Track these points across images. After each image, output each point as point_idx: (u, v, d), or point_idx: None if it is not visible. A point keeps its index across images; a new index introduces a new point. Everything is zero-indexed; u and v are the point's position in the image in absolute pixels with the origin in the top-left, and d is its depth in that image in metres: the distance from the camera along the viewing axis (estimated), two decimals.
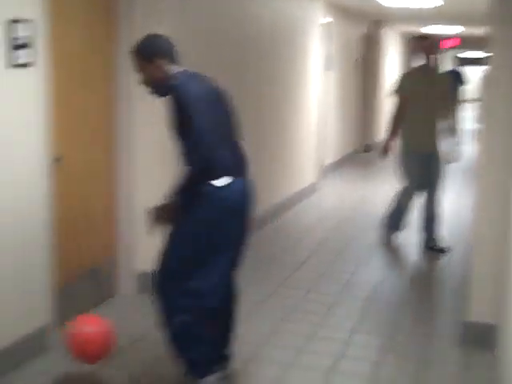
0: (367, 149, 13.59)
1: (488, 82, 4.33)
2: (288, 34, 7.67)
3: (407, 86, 6.09)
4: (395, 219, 6.43)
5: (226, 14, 5.84)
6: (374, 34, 13.50)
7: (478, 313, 4.23)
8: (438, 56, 6.06)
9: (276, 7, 7.17)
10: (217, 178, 3.11)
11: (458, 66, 25.22)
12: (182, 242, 3.18)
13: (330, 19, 9.82)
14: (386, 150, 6.23)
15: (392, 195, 9.12)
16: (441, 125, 6.08)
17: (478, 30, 14.90)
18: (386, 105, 15.17)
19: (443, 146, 6.19)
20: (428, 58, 6.04)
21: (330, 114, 10.55)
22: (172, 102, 3.02)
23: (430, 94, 6.05)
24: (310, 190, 9.00)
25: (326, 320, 4.56)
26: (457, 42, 17.58)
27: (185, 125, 3.00)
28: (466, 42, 17.84)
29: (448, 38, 17.51)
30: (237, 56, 6.16)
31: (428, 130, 6.04)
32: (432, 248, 6.39)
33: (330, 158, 10.89)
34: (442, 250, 6.36)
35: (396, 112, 6.11)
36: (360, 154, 13.28)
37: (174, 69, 3.17)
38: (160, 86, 3.16)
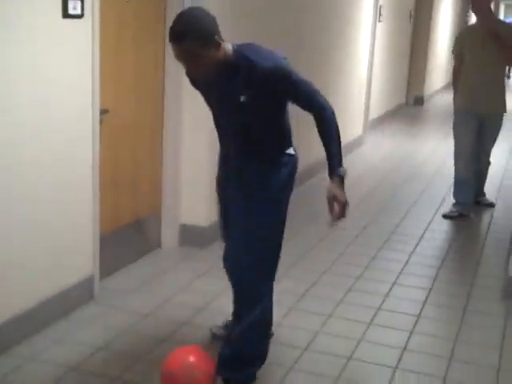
0: (418, 101, 13.39)
1: None
2: None
3: (463, 44, 5.81)
4: (457, 191, 6.01)
5: None
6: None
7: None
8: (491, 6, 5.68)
9: None
10: (290, 146, 2.97)
11: None
12: (273, 225, 2.88)
13: None
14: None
15: (439, 152, 9.00)
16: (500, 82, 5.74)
17: None
18: (438, 58, 14.83)
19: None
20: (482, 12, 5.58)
21: (379, 67, 10.40)
22: (250, 81, 2.70)
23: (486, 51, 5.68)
24: (358, 143, 8.94)
25: (368, 273, 4.59)
26: None
27: (282, 98, 2.79)
28: None
29: None
30: (292, 3, 6.08)
31: (485, 87, 5.74)
32: (479, 202, 6.33)
33: (378, 110, 10.78)
34: (490, 205, 6.29)
35: (454, 73, 5.94)
36: (410, 106, 13.10)
37: (228, 45, 2.79)
38: (223, 67, 2.74)
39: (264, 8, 5.56)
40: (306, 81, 2.80)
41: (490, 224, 5.85)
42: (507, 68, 5.96)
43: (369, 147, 9.00)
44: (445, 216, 5.94)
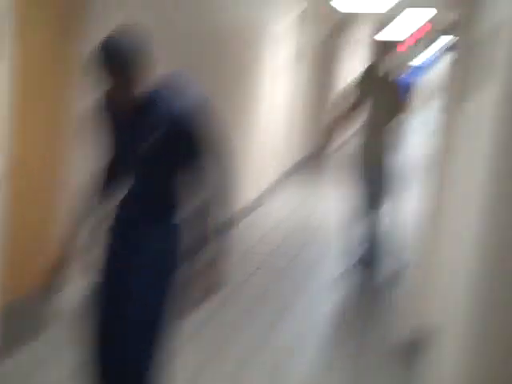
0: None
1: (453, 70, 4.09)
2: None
3: (357, 89, 5.54)
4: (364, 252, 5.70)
5: (190, 4, 5.66)
6: (338, 34, 13.43)
7: (411, 326, 4.27)
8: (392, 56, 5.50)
9: None
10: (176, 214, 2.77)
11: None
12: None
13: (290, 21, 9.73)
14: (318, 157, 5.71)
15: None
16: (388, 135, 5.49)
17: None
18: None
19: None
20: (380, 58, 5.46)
21: (285, 117, 10.44)
22: (164, 118, 2.57)
23: (378, 100, 5.48)
24: (256, 204, 8.74)
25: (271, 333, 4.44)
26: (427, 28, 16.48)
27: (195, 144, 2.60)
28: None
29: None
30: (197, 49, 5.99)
31: (374, 140, 5.49)
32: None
33: (283, 163, 10.81)
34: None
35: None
36: (315, 157, 13.17)
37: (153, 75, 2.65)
38: (141, 98, 2.60)
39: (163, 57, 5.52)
40: (209, 136, 2.71)
41: (383, 283, 5.69)
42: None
43: (269, 207, 8.76)
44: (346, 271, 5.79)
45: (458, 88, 4.03)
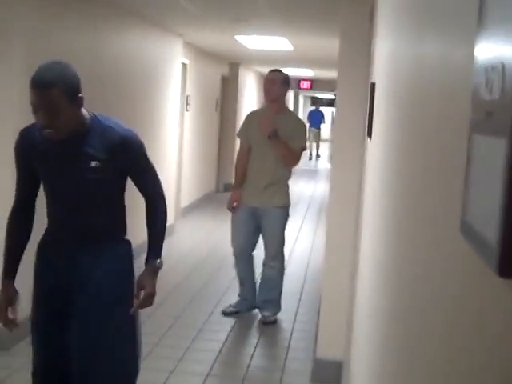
0: (227, 189, 13.72)
1: (336, 122, 4.52)
2: (146, 74, 7.65)
3: (247, 130, 5.49)
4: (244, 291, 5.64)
5: (82, 50, 5.73)
6: (233, 75, 13.77)
7: (327, 351, 4.37)
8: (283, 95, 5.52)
9: (134, 46, 7.14)
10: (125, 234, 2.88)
11: (317, 106, 26.17)
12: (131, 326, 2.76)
13: (187, 60, 9.90)
14: (231, 201, 5.49)
15: None
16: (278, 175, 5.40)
17: (329, 74, 15.60)
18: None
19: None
20: (272, 98, 5.42)
21: (189, 154, 10.59)
22: (111, 149, 2.68)
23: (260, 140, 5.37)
24: (169, 232, 8.92)
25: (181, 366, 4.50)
26: (309, 84, 18.43)
27: (135, 172, 2.77)
28: (319, 84, 18.64)
29: (303, 79, 18.20)
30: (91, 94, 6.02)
31: (261, 180, 5.41)
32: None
33: (189, 198, 10.89)
34: (268, 322, 5.54)
35: (237, 159, 5.54)
36: (221, 193, 13.39)
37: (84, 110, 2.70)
38: (77, 129, 2.65)
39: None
40: (153, 166, 2.81)
41: (297, 308, 6.01)
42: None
43: (180, 236, 9.00)
44: (224, 313, 5.67)
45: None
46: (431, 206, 1.05)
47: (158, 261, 2.76)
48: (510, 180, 0.55)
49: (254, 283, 5.65)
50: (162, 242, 2.79)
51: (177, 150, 9.29)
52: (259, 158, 5.38)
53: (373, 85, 3.34)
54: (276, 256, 5.45)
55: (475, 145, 0.69)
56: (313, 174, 19.03)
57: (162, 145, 8.51)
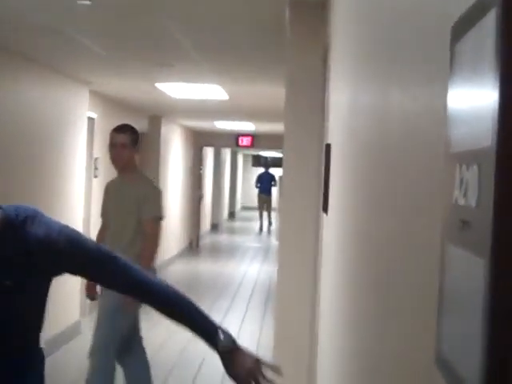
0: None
1: (284, 191, 4.55)
2: (44, 132, 7.60)
3: (104, 204, 5.99)
4: None
5: None
6: (154, 130, 13.82)
7: None
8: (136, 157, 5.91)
9: (29, 98, 7.09)
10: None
11: (266, 168, 26.60)
12: None
13: (94, 114, 9.90)
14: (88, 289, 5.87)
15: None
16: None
17: (274, 127, 15.82)
18: (172, 222, 15.42)
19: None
20: (116, 163, 5.79)
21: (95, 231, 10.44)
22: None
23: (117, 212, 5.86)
24: (73, 332, 8.72)
25: None
26: (249, 140, 18.64)
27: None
28: (262, 141, 18.87)
29: (242, 135, 18.41)
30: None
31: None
32: None
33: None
34: None
35: (96, 239, 5.88)
36: None
37: None
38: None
39: None
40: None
41: None
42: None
43: (88, 336, 8.79)
44: None
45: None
46: (403, 326, 1.05)
47: (221, 336, 2.56)
48: (493, 309, 0.54)
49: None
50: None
51: (82, 226, 9.17)
52: (115, 233, 5.77)
53: (328, 146, 3.42)
54: (95, 350, 5.61)
55: (449, 257, 0.69)
56: (261, 251, 19.15)
57: (65, 220, 8.39)
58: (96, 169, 10.14)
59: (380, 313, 1.35)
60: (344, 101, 2.67)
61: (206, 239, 21.30)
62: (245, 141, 18.67)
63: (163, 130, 14.25)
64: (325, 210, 3.52)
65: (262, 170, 27.89)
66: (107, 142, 5.79)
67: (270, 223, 25.84)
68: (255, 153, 30.63)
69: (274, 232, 24.21)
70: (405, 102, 1.17)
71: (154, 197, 5.82)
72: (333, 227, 2.91)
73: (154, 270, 5.79)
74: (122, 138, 5.67)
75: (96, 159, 10.10)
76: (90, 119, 9.75)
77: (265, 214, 25.86)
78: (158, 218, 5.80)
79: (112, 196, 5.87)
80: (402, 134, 1.18)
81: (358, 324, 1.77)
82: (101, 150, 10.33)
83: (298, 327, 4.43)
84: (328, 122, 3.69)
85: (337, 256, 2.63)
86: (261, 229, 25.18)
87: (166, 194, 14.79)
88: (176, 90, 9.47)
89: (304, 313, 4.44)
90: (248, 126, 16.19)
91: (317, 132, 4.41)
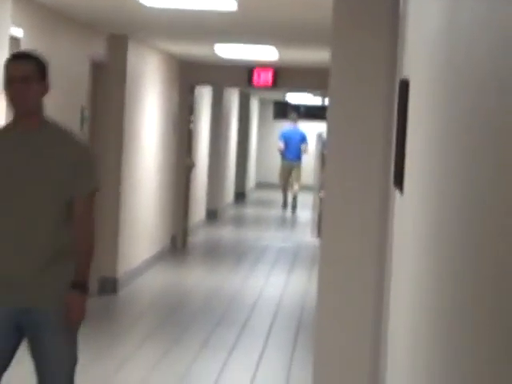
0: (109, 288, 13.73)
1: (329, 156, 4.53)
2: None
3: None
4: None
5: None
6: (116, 57, 13.82)
7: None
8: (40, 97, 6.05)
9: None
10: None
11: (294, 120, 27.15)
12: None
13: (20, 31, 9.90)
14: None
15: None
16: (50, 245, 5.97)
17: (312, 55, 15.78)
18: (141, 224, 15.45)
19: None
20: (17, 104, 5.94)
21: None
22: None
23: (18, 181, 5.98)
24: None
25: None
26: (270, 76, 18.63)
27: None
28: (290, 77, 18.84)
29: (259, 67, 18.40)
30: None
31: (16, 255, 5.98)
32: None
33: None
34: None
35: None
36: (96, 296, 13.40)
37: None
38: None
39: None
40: None
41: None
42: None
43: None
44: None
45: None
46: None
47: None
48: None
49: None
50: None
51: None
52: (20, 226, 5.92)
53: (404, 84, 3.38)
54: None
55: None
56: (286, 253, 19.22)
57: None
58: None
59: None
60: (436, 9, 2.67)
61: (198, 234, 21.41)
62: (263, 77, 18.68)
63: (131, 57, 14.26)
64: (398, 186, 3.60)
65: (288, 124, 28.30)
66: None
67: (294, 205, 27.59)
68: (279, 97, 30.72)
69: (298, 215, 24.37)
70: None
71: (88, 158, 5.98)
72: (413, 213, 2.95)
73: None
74: (25, 68, 5.83)
75: None
76: (14, 39, 9.79)
77: (294, 186, 27.20)
78: (95, 191, 6.00)
79: (8, 158, 5.93)
80: None
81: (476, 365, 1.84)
82: None
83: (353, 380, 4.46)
84: (405, 44, 3.68)
85: (426, 268, 2.61)
86: (284, 205, 26.99)
87: (134, 163, 14.80)
88: None
89: (363, 358, 4.45)
90: (268, 54, 16.15)
91: (385, 61, 4.40)
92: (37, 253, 5.90)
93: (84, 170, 5.93)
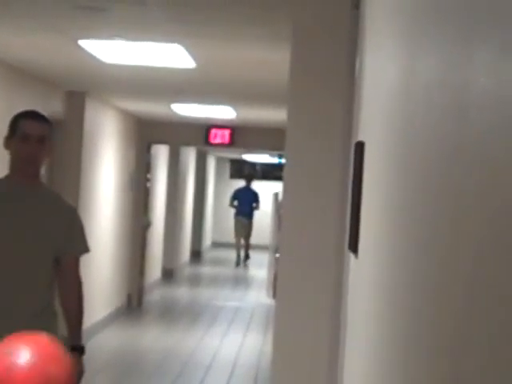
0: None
1: (285, 218, 4.53)
2: None
3: None
4: None
5: None
6: (73, 115, 13.80)
7: None
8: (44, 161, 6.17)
9: None
10: None
11: (248, 181, 27.52)
12: None
13: None
14: None
15: None
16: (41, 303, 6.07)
17: (266, 116, 15.80)
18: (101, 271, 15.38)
19: None
20: (30, 163, 5.98)
21: None
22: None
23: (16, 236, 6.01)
24: None
25: None
26: (227, 135, 18.63)
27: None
28: (247, 136, 18.85)
29: (216, 127, 18.42)
30: None
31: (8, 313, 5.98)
32: None
33: None
34: None
35: None
36: None
37: None
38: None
39: None
40: None
41: None
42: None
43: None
44: None
45: None
46: None
47: None
48: None
49: None
50: None
51: None
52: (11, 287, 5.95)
53: (359, 146, 3.39)
54: None
55: None
56: (241, 313, 19.22)
57: None
58: None
59: None
60: (393, 70, 2.69)
61: (154, 293, 21.33)
62: (220, 136, 18.66)
63: (88, 115, 14.24)
64: (353, 249, 3.58)
65: (242, 183, 29.03)
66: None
67: (246, 256, 28.97)
68: (236, 156, 30.74)
69: (250, 269, 24.41)
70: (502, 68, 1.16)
71: (79, 221, 6.10)
72: (369, 278, 2.93)
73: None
74: (43, 128, 5.88)
75: None
76: None
77: (241, 242, 28.22)
78: (85, 253, 6.18)
79: (7, 212, 5.96)
80: (499, 122, 1.17)
81: None
82: None
83: None
84: (361, 105, 3.70)
85: (379, 332, 2.63)
86: (238, 263, 27.97)
87: (90, 220, 14.75)
88: (110, 50, 9.46)
89: None
90: (225, 113, 16.16)
91: (341, 121, 4.42)
92: (23, 308, 5.96)
93: (76, 232, 6.03)
